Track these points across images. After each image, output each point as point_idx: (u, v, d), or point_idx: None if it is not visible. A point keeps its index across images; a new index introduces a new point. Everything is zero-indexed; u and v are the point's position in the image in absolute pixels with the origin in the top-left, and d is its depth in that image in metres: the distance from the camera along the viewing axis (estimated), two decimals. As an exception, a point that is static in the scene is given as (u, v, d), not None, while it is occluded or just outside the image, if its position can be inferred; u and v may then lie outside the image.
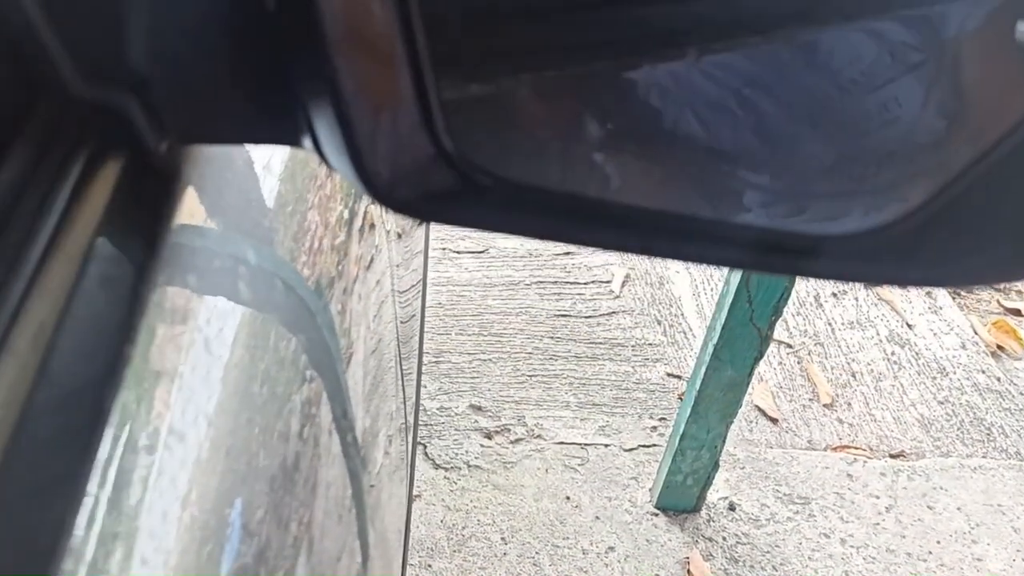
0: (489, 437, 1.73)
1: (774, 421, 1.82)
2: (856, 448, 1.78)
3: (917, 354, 2.01)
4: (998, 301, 2.16)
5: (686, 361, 1.93)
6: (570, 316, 2.03)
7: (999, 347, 2.04)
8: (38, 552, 0.20)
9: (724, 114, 0.28)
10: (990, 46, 0.27)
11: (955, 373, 1.97)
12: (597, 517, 1.60)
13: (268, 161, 0.40)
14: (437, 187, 0.27)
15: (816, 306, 2.11)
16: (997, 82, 0.27)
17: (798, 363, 1.97)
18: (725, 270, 1.36)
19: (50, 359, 0.22)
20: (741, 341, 1.35)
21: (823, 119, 0.28)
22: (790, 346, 2.00)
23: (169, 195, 0.29)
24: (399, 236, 0.71)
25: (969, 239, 0.28)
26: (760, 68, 0.27)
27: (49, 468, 0.21)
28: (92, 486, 0.22)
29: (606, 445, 1.74)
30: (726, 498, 1.65)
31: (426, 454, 1.69)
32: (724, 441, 1.50)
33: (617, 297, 2.09)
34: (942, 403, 1.90)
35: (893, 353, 2.01)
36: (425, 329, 1.06)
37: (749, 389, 1.45)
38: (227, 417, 0.29)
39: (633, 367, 1.92)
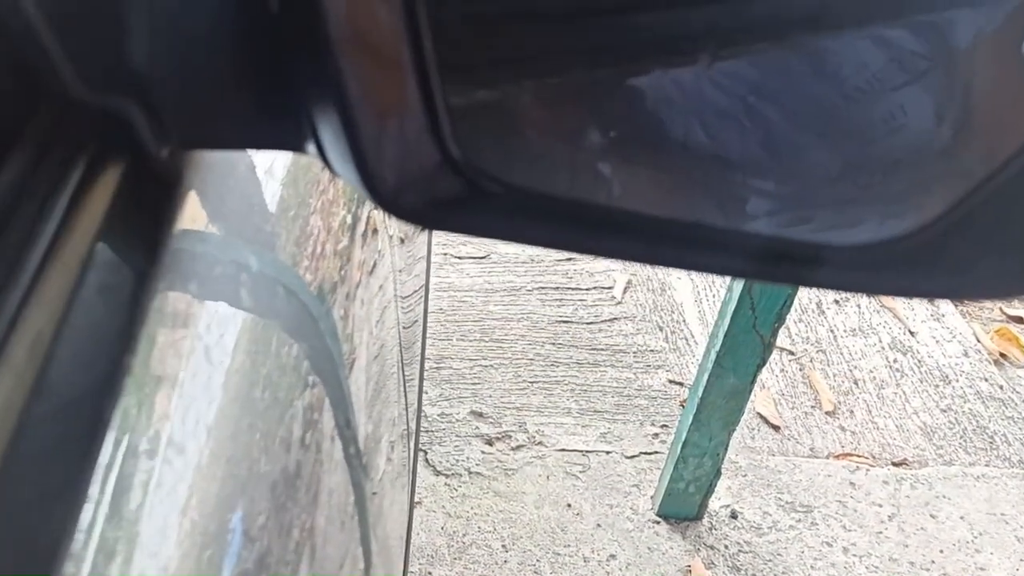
0: (490, 443, 1.73)
1: (776, 428, 1.82)
2: (858, 456, 1.78)
3: (920, 361, 2.01)
4: (1001, 309, 2.15)
5: (688, 368, 1.93)
6: (572, 322, 2.02)
7: (1002, 355, 2.03)
8: (39, 557, 0.20)
9: (730, 122, 0.27)
10: (998, 57, 0.26)
11: (958, 381, 1.97)
12: (598, 524, 1.59)
13: (270, 165, 0.40)
14: (443, 194, 0.27)
15: (818, 313, 2.10)
16: (1006, 95, 0.27)
17: (800, 370, 1.96)
18: (727, 277, 1.36)
19: (48, 369, 0.22)
20: (744, 348, 1.35)
21: (829, 127, 0.28)
22: (792, 353, 2.00)
23: (170, 201, 0.29)
24: (401, 241, 0.71)
25: (977, 252, 0.28)
26: (766, 75, 0.27)
27: (48, 477, 0.21)
28: (92, 492, 0.22)
29: (608, 452, 1.73)
30: (728, 506, 1.65)
31: (427, 460, 1.68)
32: (726, 449, 1.49)
33: (619, 303, 2.09)
34: (945, 411, 1.89)
35: (895, 360, 2.00)
36: (427, 334, 1.05)
37: (751, 396, 1.44)
38: (228, 423, 0.29)
39: (635, 373, 1.91)
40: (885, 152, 0.28)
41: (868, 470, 1.75)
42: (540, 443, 1.73)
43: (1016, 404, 1.92)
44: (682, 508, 1.59)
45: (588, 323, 2.03)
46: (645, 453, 1.73)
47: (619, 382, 1.89)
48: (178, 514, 0.25)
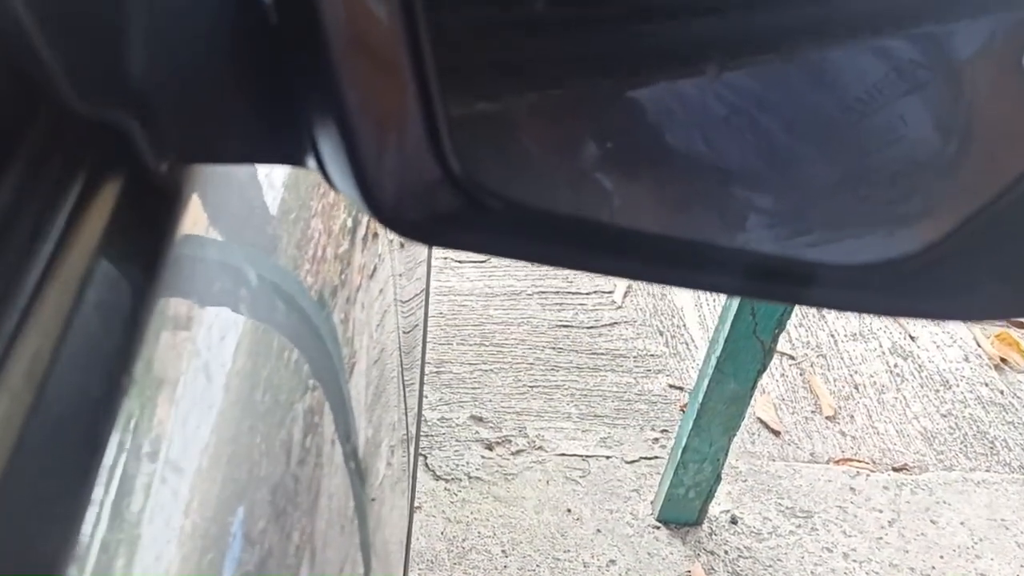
0: (490, 448, 1.72)
1: (776, 433, 1.81)
2: (859, 461, 1.78)
3: (920, 366, 2.01)
4: (1001, 314, 2.15)
5: (688, 372, 1.93)
6: (572, 327, 2.02)
7: (1002, 360, 2.03)
8: (37, 565, 0.20)
9: (731, 133, 0.27)
10: (999, 69, 0.26)
11: (958, 386, 1.97)
12: (598, 530, 1.59)
13: (271, 169, 0.40)
14: (443, 209, 0.27)
15: (819, 318, 2.10)
16: (1007, 109, 0.27)
17: (801, 375, 1.96)
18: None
19: (45, 388, 0.21)
20: (744, 354, 1.35)
21: (829, 137, 0.28)
22: (793, 358, 2.00)
23: (169, 216, 0.28)
24: (402, 245, 0.71)
25: (979, 275, 0.27)
26: (766, 86, 0.27)
27: (46, 495, 0.21)
28: (95, 495, 0.22)
29: (608, 457, 1.73)
30: (728, 511, 1.64)
31: (427, 465, 1.68)
32: (726, 454, 1.49)
33: (619, 308, 2.09)
34: (945, 416, 1.89)
35: (896, 365, 2.00)
36: (427, 339, 1.05)
37: (751, 401, 1.44)
38: (229, 426, 0.29)
39: (635, 378, 1.91)
40: (885, 163, 0.28)
41: (868, 475, 1.74)
42: (540, 448, 1.73)
43: (1017, 409, 1.92)
44: (682, 513, 1.59)
45: (588, 327, 2.03)
46: (645, 458, 1.73)
47: (619, 387, 1.89)
48: (179, 517, 0.25)
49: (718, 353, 1.36)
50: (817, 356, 2.01)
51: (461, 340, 1.97)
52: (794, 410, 1.87)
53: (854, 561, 1.58)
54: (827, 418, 1.86)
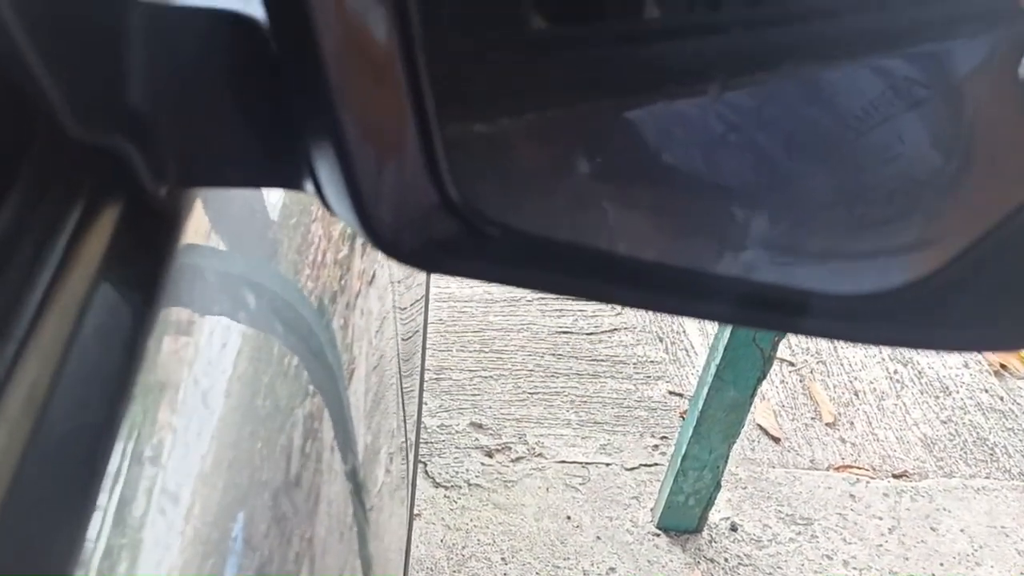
0: (490, 455, 1.72)
1: (776, 440, 1.81)
2: (859, 468, 1.77)
3: (920, 373, 2.00)
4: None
5: (688, 379, 1.93)
6: (572, 333, 2.02)
7: (1002, 366, 2.03)
8: (43, 569, 0.20)
9: (731, 153, 0.27)
10: (1000, 85, 0.26)
11: (958, 392, 1.97)
12: (598, 537, 1.58)
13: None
14: (441, 236, 0.26)
15: (818, 325, 2.10)
16: (1011, 131, 0.26)
17: (800, 381, 1.96)
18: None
19: (44, 418, 0.21)
20: (744, 361, 1.35)
21: (827, 155, 0.28)
22: (792, 364, 1.99)
23: (168, 239, 0.28)
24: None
25: (980, 307, 0.27)
26: (764, 105, 0.27)
27: (46, 523, 0.21)
28: (94, 498, 0.22)
29: (607, 464, 1.73)
30: (728, 518, 1.64)
31: (426, 472, 1.68)
32: (726, 461, 1.49)
33: (619, 314, 2.08)
34: (945, 423, 1.89)
35: (896, 372, 2.00)
36: (426, 345, 1.05)
37: (751, 408, 1.44)
38: (229, 432, 0.29)
39: (635, 385, 1.91)
40: (882, 181, 0.28)
41: (868, 482, 1.74)
42: (540, 455, 1.73)
43: (1016, 415, 1.92)
44: (682, 521, 1.58)
45: (588, 334, 2.03)
46: (645, 465, 1.73)
47: (619, 393, 1.89)
48: (181, 522, 0.25)
49: (718, 360, 1.36)
50: (817, 362, 2.01)
51: (461, 346, 1.97)
52: (794, 416, 1.87)
53: (854, 568, 1.57)
54: (827, 425, 1.86)
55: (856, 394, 1.94)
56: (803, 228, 0.29)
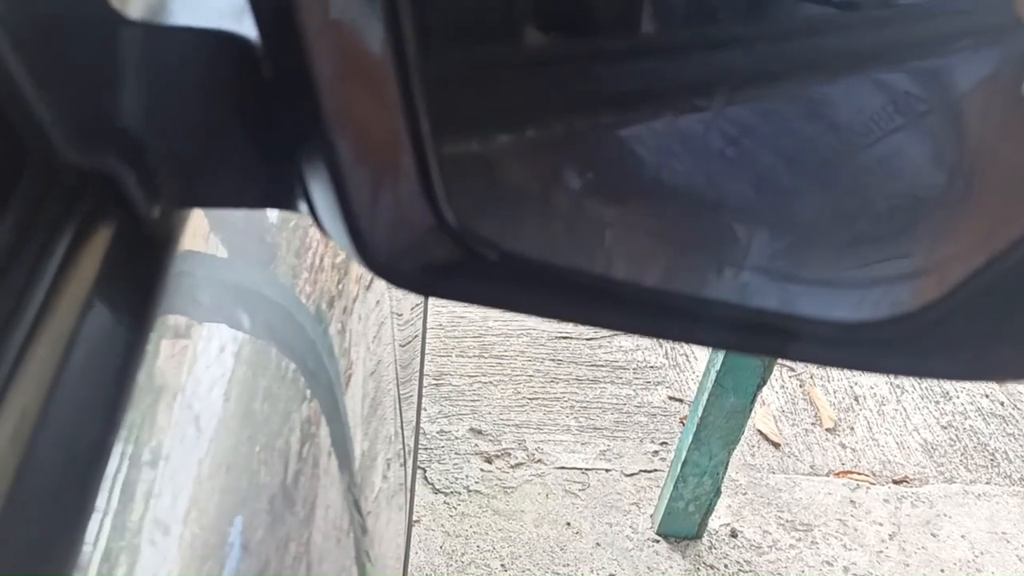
0: (489, 461, 1.72)
1: (776, 446, 1.81)
2: (859, 474, 1.77)
3: (920, 377, 2.00)
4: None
5: (688, 384, 1.92)
6: (571, 338, 2.02)
7: (1002, 372, 2.03)
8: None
9: (731, 169, 0.27)
10: (1001, 101, 0.26)
11: (958, 397, 1.96)
12: (598, 543, 1.58)
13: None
14: (438, 260, 0.26)
15: (818, 330, 2.10)
16: (1017, 150, 0.26)
17: (801, 387, 1.96)
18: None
19: (32, 452, 0.21)
20: (744, 368, 1.35)
21: (826, 170, 0.27)
22: (792, 369, 1.99)
23: (161, 262, 0.28)
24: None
25: (986, 334, 0.26)
26: (763, 120, 0.26)
27: (35, 554, 0.20)
28: (93, 502, 0.22)
29: (607, 470, 1.72)
30: (728, 524, 1.64)
31: (425, 478, 1.67)
32: (726, 468, 1.49)
33: (618, 320, 2.08)
34: (945, 428, 1.89)
35: (896, 377, 2.00)
36: (425, 351, 1.05)
37: (751, 414, 1.44)
38: (228, 436, 0.29)
39: (635, 390, 1.91)
40: (882, 197, 0.27)
41: (869, 488, 1.74)
42: (539, 461, 1.72)
43: (1017, 421, 1.92)
44: (682, 527, 1.58)
45: (587, 339, 2.02)
46: (645, 471, 1.73)
47: (619, 399, 1.88)
48: (179, 525, 0.25)
49: (718, 367, 1.36)
50: (817, 367, 2.00)
51: (460, 352, 1.96)
52: (794, 422, 1.87)
53: (854, 575, 1.57)
54: (827, 430, 1.86)
55: (856, 399, 1.94)
56: (803, 246, 0.28)
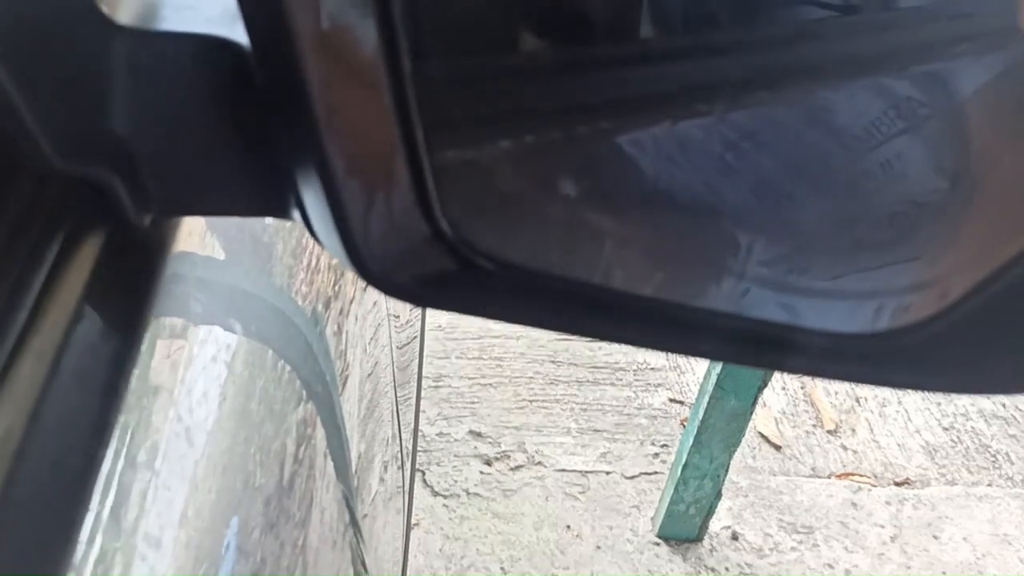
0: (489, 464, 1.71)
1: (778, 448, 1.81)
2: (860, 476, 1.76)
3: (921, 381, 2.00)
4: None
5: (689, 386, 1.92)
6: (571, 340, 2.02)
7: (1003, 374, 2.02)
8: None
9: (730, 175, 0.26)
10: (1004, 107, 0.26)
11: (960, 399, 1.96)
12: (598, 547, 1.58)
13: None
14: (433, 270, 0.26)
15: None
16: (1013, 154, 0.26)
17: (802, 388, 1.95)
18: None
19: (20, 465, 0.20)
20: (745, 370, 1.34)
21: (826, 176, 0.27)
22: (793, 372, 1.99)
23: (152, 272, 0.28)
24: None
25: (991, 348, 0.26)
26: (763, 125, 0.26)
27: (35, 539, 0.20)
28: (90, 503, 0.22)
29: (607, 472, 1.72)
30: (729, 527, 1.63)
31: (424, 481, 1.67)
32: (727, 470, 1.48)
33: (618, 322, 2.08)
34: (947, 429, 1.88)
35: (895, 389, 1.99)
36: (424, 352, 1.05)
37: (752, 416, 1.43)
38: (224, 438, 0.29)
39: (635, 392, 1.91)
40: (882, 202, 0.27)
41: (870, 490, 1.73)
42: (539, 463, 1.72)
43: (1019, 422, 1.91)
44: (682, 530, 1.58)
45: (587, 341, 2.02)
46: (645, 473, 1.72)
47: (619, 401, 1.88)
48: (175, 524, 0.25)
49: (719, 369, 1.35)
50: (817, 370, 2.00)
51: (460, 354, 1.96)
52: (795, 424, 1.87)
53: (857, 577, 1.57)
54: (828, 432, 1.85)
55: (858, 401, 1.93)
56: (803, 253, 0.28)
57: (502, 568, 1.53)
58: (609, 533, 1.60)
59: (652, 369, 1.97)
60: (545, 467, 1.72)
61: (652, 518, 1.62)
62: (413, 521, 1.53)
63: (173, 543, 0.24)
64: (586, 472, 1.71)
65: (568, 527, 1.60)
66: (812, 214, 0.28)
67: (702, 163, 0.26)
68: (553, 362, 1.96)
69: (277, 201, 0.26)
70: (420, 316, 0.91)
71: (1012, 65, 0.26)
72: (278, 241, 0.40)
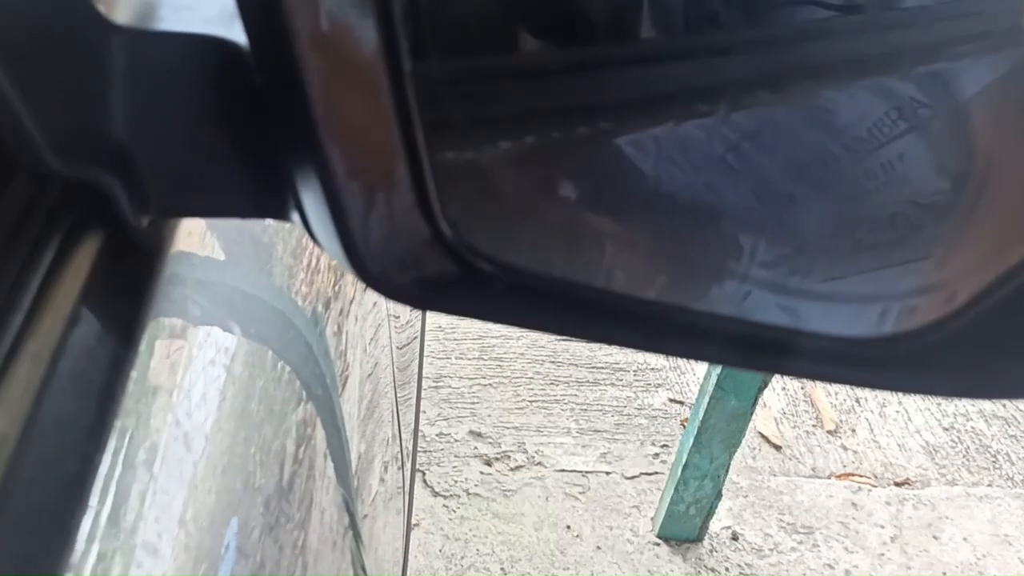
0: (489, 464, 1.71)
1: (778, 448, 1.80)
2: (860, 476, 1.76)
3: (921, 381, 2.00)
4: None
5: (689, 386, 1.92)
6: (571, 339, 2.02)
7: (1004, 374, 2.02)
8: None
9: (732, 176, 0.26)
10: (1007, 109, 0.26)
11: (960, 399, 1.96)
12: (598, 547, 1.58)
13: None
14: (434, 273, 0.26)
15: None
16: (1016, 157, 0.26)
17: (802, 388, 1.95)
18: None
19: (16, 468, 0.20)
20: (745, 371, 1.34)
21: (828, 177, 0.27)
22: (793, 372, 1.99)
23: (149, 274, 0.28)
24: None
25: (995, 353, 0.26)
26: (765, 126, 0.26)
27: (33, 539, 0.20)
28: (90, 502, 0.22)
29: (607, 473, 1.72)
30: (729, 527, 1.63)
31: (425, 481, 1.67)
32: (727, 471, 1.48)
33: (618, 322, 2.08)
34: (947, 429, 1.88)
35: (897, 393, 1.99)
36: (424, 353, 1.05)
37: (752, 416, 1.43)
38: (223, 438, 0.29)
39: (635, 392, 1.90)
40: (884, 203, 0.27)
41: (870, 490, 1.73)
42: (539, 463, 1.72)
43: (1019, 422, 1.91)
44: (683, 530, 1.58)
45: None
46: (645, 473, 1.72)
47: (619, 401, 1.88)
48: (175, 524, 0.25)
49: (719, 369, 1.35)
50: (817, 370, 2.00)
51: (460, 354, 1.96)
52: (795, 424, 1.86)
53: (857, 578, 1.56)
54: (828, 432, 1.85)
55: (858, 401, 1.93)
56: (805, 255, 0.28)
57: (502, 568, 1.52)
58: (609, 533, 1.60)
59: (652, 369, 1.97)
60: (545, 467, 1.71)
61: (652, 518, 1.62)
62: (413, 521, 1.52)
63: (173, 544, 0.24)
64: (586, 472, 1.71)
65: (568, 527, 1.60)
66: (814, 215, 0.28)
67: (703, 164, 0.26)
68: (553, 362, 1.96)
69: (275, 202, 0.26)
70: (420, 317, 0.91)
71: (1017, 65, 0.25)
72: (278, 242, 0.40)
